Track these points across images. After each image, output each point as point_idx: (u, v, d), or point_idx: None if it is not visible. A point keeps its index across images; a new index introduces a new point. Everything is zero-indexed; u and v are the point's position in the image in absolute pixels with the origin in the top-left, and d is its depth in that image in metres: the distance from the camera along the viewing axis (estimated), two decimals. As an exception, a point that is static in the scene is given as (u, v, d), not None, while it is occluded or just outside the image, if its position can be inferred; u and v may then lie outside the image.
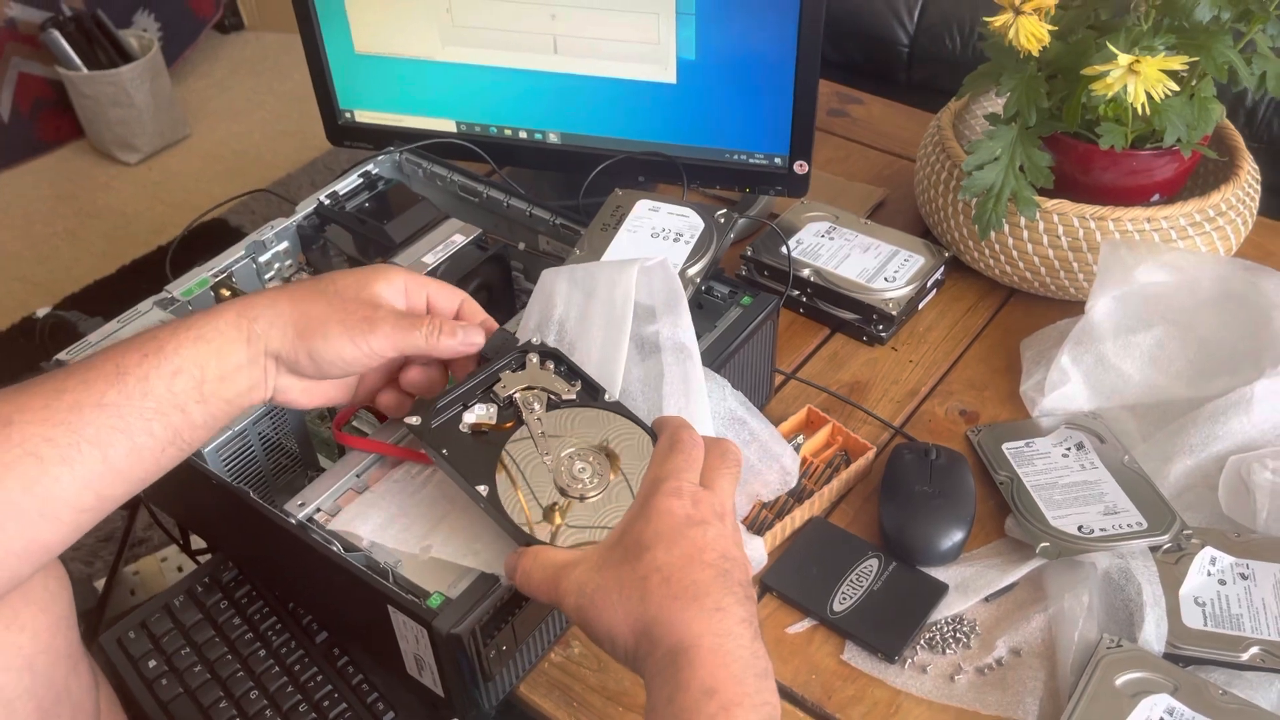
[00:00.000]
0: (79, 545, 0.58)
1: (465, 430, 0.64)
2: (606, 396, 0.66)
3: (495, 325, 0.68)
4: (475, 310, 0.68)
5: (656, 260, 0.72)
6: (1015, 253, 0.93)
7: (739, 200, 1.11)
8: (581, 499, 0.61)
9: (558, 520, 0.60)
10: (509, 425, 0.64)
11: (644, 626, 0.52)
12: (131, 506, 0.93)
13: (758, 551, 0.74)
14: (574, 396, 0.66)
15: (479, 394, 0.66)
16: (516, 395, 0.65)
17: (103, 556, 1.36)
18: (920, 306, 0.98)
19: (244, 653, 0.75)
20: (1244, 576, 0.72)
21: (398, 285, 0.66)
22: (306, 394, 0.65)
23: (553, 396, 0.66)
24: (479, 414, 0.65)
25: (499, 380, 0.66)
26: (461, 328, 0.66)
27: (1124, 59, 0.79)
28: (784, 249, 0.98)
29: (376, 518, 0.66)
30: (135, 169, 2.34)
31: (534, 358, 0.67)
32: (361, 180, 0.92)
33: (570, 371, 0.67)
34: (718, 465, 0.58)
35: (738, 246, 1.01)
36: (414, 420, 0.64)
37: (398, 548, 0.65)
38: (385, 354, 0.64)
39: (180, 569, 1.12)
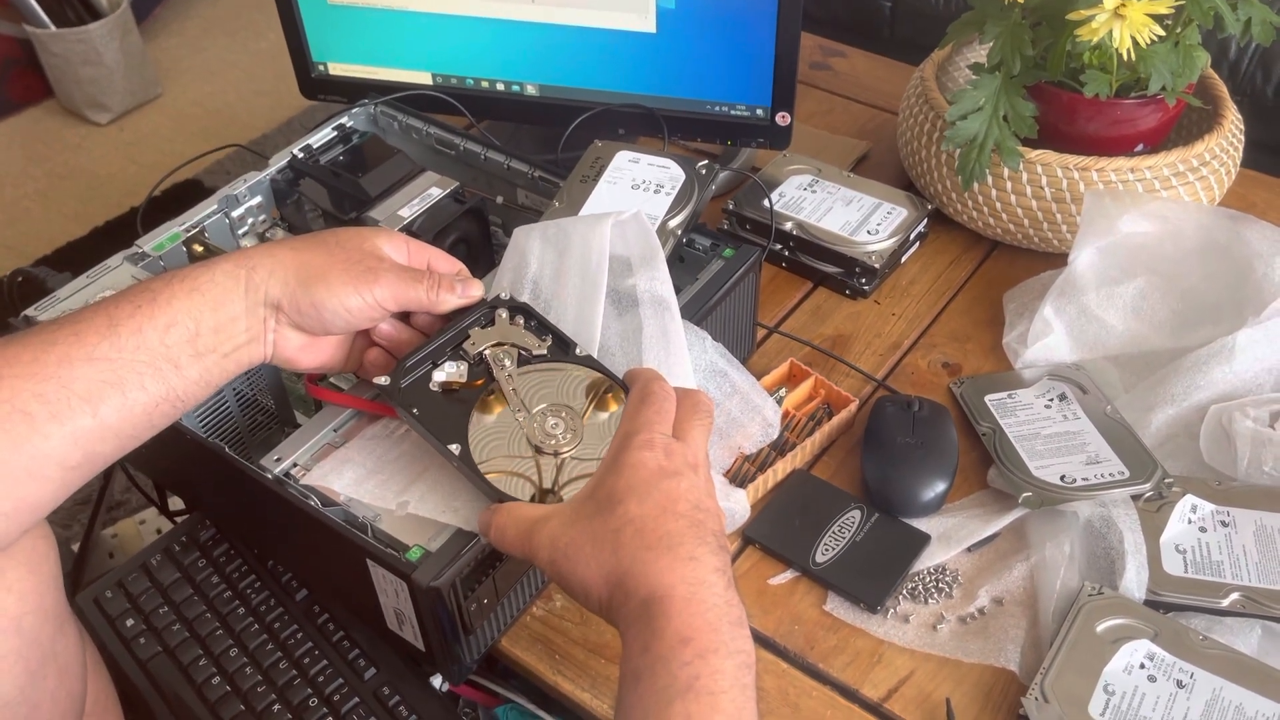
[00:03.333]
0: (57, 507, 0.57)
1: (435, 389, 0.63)
2: (578, 350, 0.65)
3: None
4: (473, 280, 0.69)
5: (630, 213, 0.71)
6: (999, 204, 0.93)
7: (721, 154, 1.09)
8: (555, 455, 0.60)
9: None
10: (480, 383, 0.63)
11: (617, 578, 0.51)
12: (107, 467, 0.92)
13: (740, 504, 0.74)
14: (545, 351, 0.65)
15: (448, 351, 0.65)
16: (487, 352, 0.64)
17: (80, 520, 1.34)
18: (903, 259, 0.97)
19: (223, 611, 0.74)
20: (1224, 524, 0.72)
21: (400, 245, 0.66)
22: (305, 352, 0.64)
23: (523, 352, 0.64)
24: (449, 372, 0.64)
25: (468, 337, 0.65)
26: (461, 282, 0.66)
27: (1109, 3, 0.78)
28: (766, 202, 0.97)
29: (352, 473, 0.65)
30: (106, 129, 2.29)
31: (503, 313, 0.66)
32: (335, 133, 0.90)
33: (540, 326, 0.66)
34: (690, 416, 0.58)
35: (719, 200, 1.00)
36: (383, 380, 0.63)
37: (374, 503, 0.64)
38: (387, 305, 0.63)
39: (159, 531, 1.10)
